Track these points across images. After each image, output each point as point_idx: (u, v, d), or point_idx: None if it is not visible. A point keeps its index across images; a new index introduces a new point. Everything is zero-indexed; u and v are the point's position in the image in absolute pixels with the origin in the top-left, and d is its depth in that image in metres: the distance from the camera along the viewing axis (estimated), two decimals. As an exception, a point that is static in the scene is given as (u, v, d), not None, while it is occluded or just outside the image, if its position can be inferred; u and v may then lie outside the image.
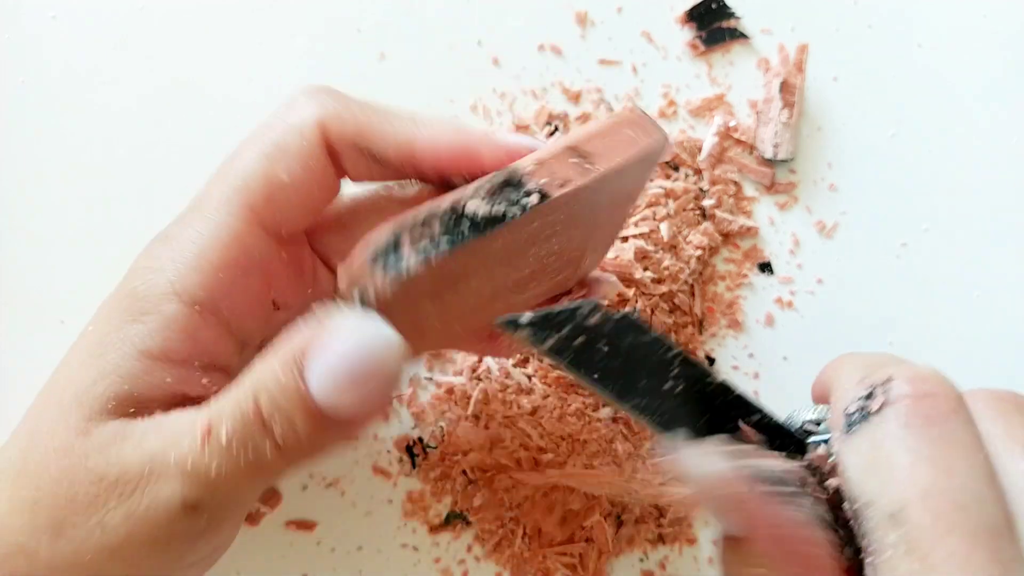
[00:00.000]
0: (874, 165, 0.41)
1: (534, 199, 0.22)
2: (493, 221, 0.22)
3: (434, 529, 0.38)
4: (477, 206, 0.22)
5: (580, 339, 0.22)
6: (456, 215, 0.22)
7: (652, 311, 0.38)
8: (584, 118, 0.40)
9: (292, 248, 0.28)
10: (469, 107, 0.40)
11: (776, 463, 0.21)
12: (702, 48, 0.41)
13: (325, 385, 0.21)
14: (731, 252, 0.40)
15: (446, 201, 0.22)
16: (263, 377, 0.22)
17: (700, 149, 0.40)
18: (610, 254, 0.38)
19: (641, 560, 0.39)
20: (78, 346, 0.25)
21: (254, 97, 0.40)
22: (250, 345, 0.28)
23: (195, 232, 0.25)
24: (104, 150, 0.39)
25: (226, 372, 0.26)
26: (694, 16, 0.41)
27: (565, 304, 0.22)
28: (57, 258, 0.39)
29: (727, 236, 0.40)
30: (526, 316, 0.22)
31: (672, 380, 0.23)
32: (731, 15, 0.41)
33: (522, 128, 0.40)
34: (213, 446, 0.22)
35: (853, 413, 0.20)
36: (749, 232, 0.40)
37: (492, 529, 0.38)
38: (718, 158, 0.40)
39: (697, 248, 0.39)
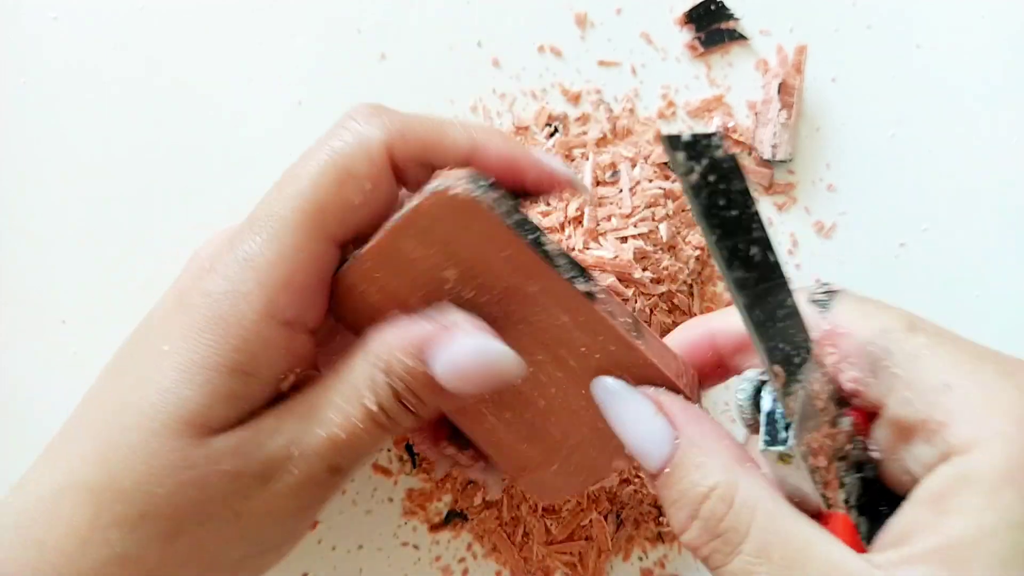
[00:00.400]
0: (873, 166, 0.41)
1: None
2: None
3: (434, 528, 0.38)
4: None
5: (713, 176, 0.23)
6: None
7: (651, 311, 0.38)
8: (584, 119, 0.40)
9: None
10: (469, 108, 0.40)
11: None
12: (701, 49, 0.41)
13: (448, 373, 0.26)
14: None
15: None
16: (391, 362, 0.26)
17: (699, 150, 0.40)
18: (609, 254, 0.38)
19: (640, 559, 0.39)
20: (153, 366, 0.26)
21: (254, 97, 0.40)
22: (322, 344, 0.30)
23: (275, 256, 0.26)
24: (105, 150, 0.39)
25: (311, 367, 0.29)
26: (693, 17, 0.41)
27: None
28: (58, 258, 0.39)
29: (726, 236, 0.40)
30: (687, 134, 0.23)
31: (753, 244, 0.24)
32: (730, 16, 0.41)
33: (522, 130, 0.40)
34: (358, 416, 0.26)
35: (817, 295, 0.26)
36: (748, 232, 0.40)
37: (492, 528, 0.38)
38: (717, 159, 0.40)
39: (696, 248, 0.39)
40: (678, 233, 0.39)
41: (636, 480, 0.38)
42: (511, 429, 0.29)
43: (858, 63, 0.41)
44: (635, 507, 0.38)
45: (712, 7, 0.41)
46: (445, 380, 0.26)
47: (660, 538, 0.39)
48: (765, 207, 0.41)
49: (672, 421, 0.25)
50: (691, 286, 0.40)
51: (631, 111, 0.41)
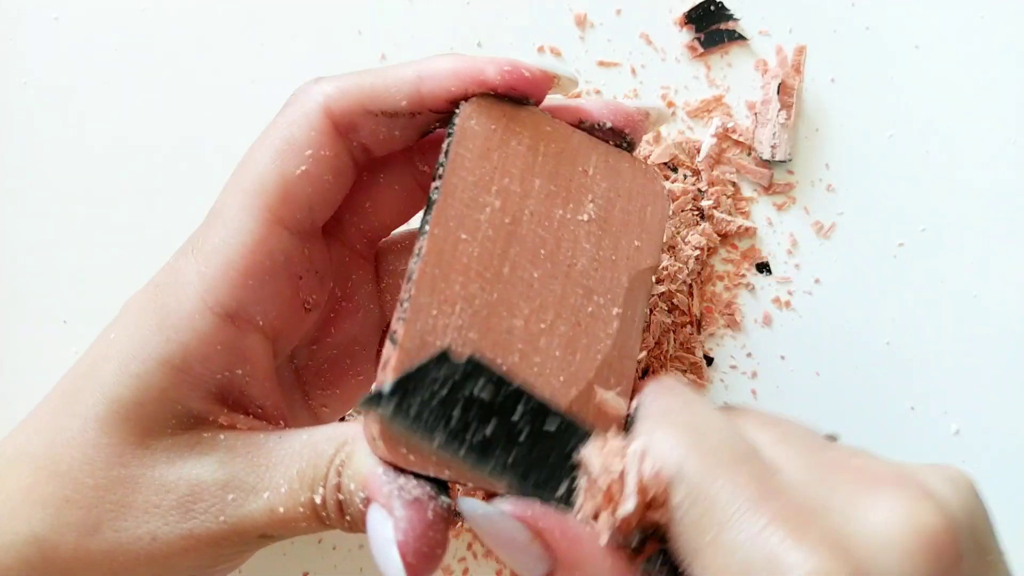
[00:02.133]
0: (872, 166, 0.41)
1: None
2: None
3: (434, 528, 0.38)
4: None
5: (438, 397, 0.23)
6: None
7: (651, 311, 0.38)
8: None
9: (313, 243, 0.28)
10: (469, 108, 0.40)
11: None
12: (700, 50, 0.41)
13: (371, 536, 0.23)
14: (729, 252, 0.41)
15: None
16: (344, 484, 0.24)
17: (698, 150, 0.40)
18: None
19: (640, 558, 0.39)
20: (103, 354, 0.25)
21: (256, 98, 0.40)
22: (284, 348, 0.28)
23: (218, 241, 0.25)
24: (105, 150, 0.39)
25: (263, 375, 0.26)
26: (693, 18, 0.41)
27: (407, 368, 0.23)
28: (59, 258, 0.39)
29: (725, 236, 0.40)
30: (387, 384, 0.22)
31: (518, 424, 0.24)
32: (729, 17, 0.41)
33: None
34: (304, 501, 0.24)
35: (625, 422, 0.25)
36: (747, 232, 0.40)
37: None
38: (716, 159, 0.41)
39: (695, 248, 0.39)
40: (677, 233, 0.39)
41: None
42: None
43: (857, 63, 0.42)
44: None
45: (712, 7, 0.41)
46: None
47: (660, 537, 0.39)
48: (765, 207, 0.41)
49: (548, 545, 0.23)
50: (691, 286, 0.40)
51: (631, 111, 0.41)
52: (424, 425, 0.23)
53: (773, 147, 0.40)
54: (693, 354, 0.40)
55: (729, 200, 0.40)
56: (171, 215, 0.39)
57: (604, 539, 0.23)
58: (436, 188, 0.24)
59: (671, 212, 0.39)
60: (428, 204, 0.24)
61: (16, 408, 0.39)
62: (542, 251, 0.26)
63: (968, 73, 0.42)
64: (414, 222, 0.31)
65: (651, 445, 0.23)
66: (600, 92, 0.41)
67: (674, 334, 0.39)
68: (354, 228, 0.30)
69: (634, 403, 0.25)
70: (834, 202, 0.41)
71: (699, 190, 0.40)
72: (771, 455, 0.23)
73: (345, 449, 0.24)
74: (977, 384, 0.41)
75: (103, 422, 0.24)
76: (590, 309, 0.26)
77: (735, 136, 0.41)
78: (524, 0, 0.41)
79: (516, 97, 0.26)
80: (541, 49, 0.41)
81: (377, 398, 0.22)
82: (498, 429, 0.24)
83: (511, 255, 0.25)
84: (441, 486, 0.23)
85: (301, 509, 0.24)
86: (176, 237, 0.39)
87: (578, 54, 0.41)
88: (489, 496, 0.24)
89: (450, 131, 0.25)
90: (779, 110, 0.40)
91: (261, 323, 0.26)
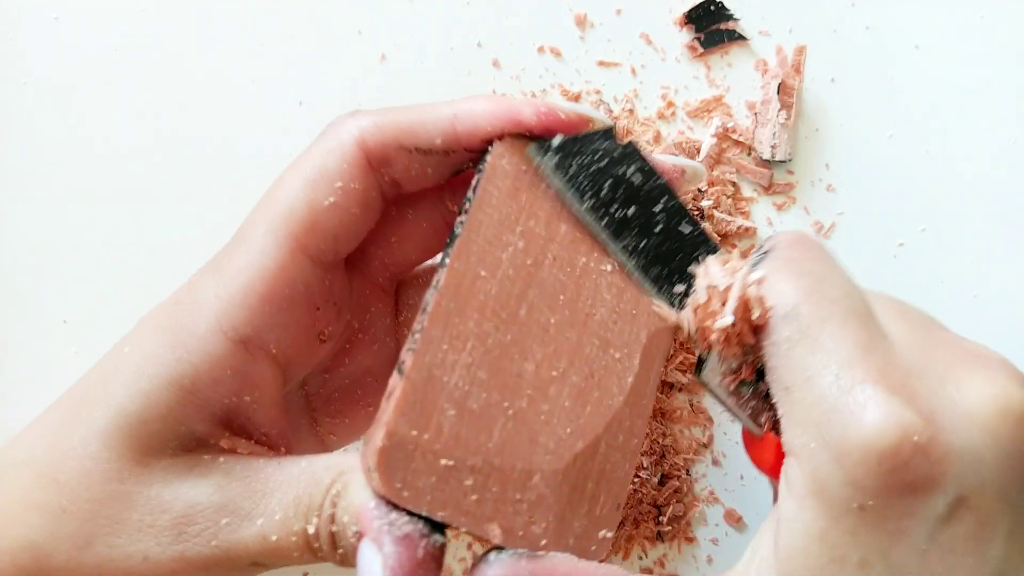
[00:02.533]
0: (872, 166, 0.41)
1: None
2: None
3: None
4: None
5: (596, 166, 0.25)
6: None
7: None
8: (629, 138, 0.41)
9: (334, 275, 0.28)
10: (469, 108, 0.40)
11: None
12: (700, 50, 0.41)
13: (361, 570, 0.23)
14: (729, 252, 0.41)
15: None
16: (339, 516, 0.23)
17: (698, 150, 0.40)
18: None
19: (640, 558, 0.39)
20: (115, 366, 0.25)
21: (256, 98, 0.40)
22: (295, 376, 0.28)
23: (240, 264, 0.25)
24: (105, 150, 0.39)
25: (270, 403, 0.26)
26: (693, 18, 0.41)
27: (583, 133, 0.26)
28: (59, 259, 0.39)
29: (725, 236, 0.40)
30: (557, 139, 0.25)
31: (656, 216, 0.26)
32: (729, 17, 0.41)
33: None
34: (296, 531, 0.23)
35: (754, 255, 0.26)
36: (747, 232, 0.40)
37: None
38: (716, 159, 0.41)
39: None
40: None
41: (635, 480, 0.38)
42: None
43: (857, 63, 0.42)
44: (635, 507, 0.38)
45: (712, 7, 0.41)
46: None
47: (660, 537, 0.39)
48: (764, 207, 0.41)
49: None
50: (691, 286, 0.40)
51: (631, 111, 0.41)
52: (577, 187, 0.25)
53: (773, 147, 0.40)
54: (693, 354, 0.40)
55: (729, 200, 0.40)
56: (171, 215, 0.39)
57: (719, 329, 0.24)
58: (460, 223, 0.24)
59: None
60: (451, 237, 0.24)
61: (16, 408, 0.39)
62: (561, 297, 0.25)
63: (968, 73, 0.42)
64: (438, 259, 0.31)
65: (771, 280, 0.24)
66: (600, 92, 0.41)
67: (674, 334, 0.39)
68: (377, 261, 0.30)
69: (767, 244, 0.26)
70: (834, 202, 0.41)
71: (699, 190, 0.40)
72: (887, 322, 0.24)
73: (342, 479, 0.24)
74: (977, 384, 0.41)
75: (105, 436, 0.24)
76: (605, 362, 0.26)
77: (735, 136, 0.41)
78: (524, 0, 0.41)
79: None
80: (541, 49, 0.41)
81: (544, 147, 0.24)
82: (638, 214, 0.26)
83: (529, 297, 0.25)
84: (434, 526, 0.23)
85: (294, 539, 0.24)
86: (176, 236, 0.39)
87: (578, 54, 0.41)
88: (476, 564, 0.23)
89: (480, 167, 0.25)
90: (779, 110, 0.40)
91: (274, 351, 0.26)
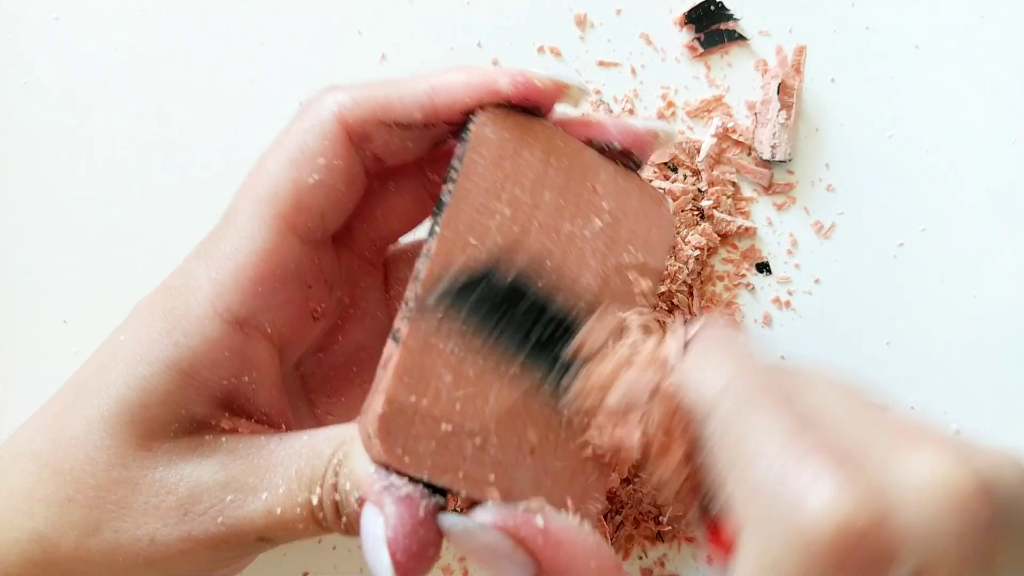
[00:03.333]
0: (871, 166, 0.41)
1: None
2: None
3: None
4: None
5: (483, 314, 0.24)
6: None
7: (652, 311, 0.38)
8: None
9: (323, 252, 0.28)
10: (469, 108, 0.40)
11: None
12: (700, 50, 0.41)
13: (363, 534, 0.23)
14: (729, 252, 0.41)
15: None
16: (341, 485, 0.23)
17: (698, 150, 0.40)
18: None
19: (640, 558, 0.39)
20: (112, 354, 0.26)
21: (256, 98, 0.40)
22: (291, 355, 0.28)
23: (230, 248, 0.25)
24: (106, 151, 0.39)
25: (269, 382, 0.26)
26: (692, 18, 0.41)
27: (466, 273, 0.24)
28: (60, 259, 0.39)
29: (725, 236, 0.40)
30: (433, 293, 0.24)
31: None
32: (729, 17, 0.41)
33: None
34: (300, 502, 0.24)
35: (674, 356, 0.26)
36: (747, 232, 0.40)
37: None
38: (716, 159, 0.41)
39: (695, 248, 0.39)
40: (678, 232, 0.39)
41: (636, 480, 0.38)
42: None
43: (857, 64, 0.42)
44: (635, 506, 0.38)
45: (712, 7, 0.41)
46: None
47: (660, 537, 0.39)
48: (764, 207, 0.41)
49: (531, 551, 0.22)
50: (691, 286, 0.40)
51: (631, 111, 0.41)
52: (471, 332, 0.24)
53: (773, 147, 0.40)
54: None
55: (729, 200, 0.40)
56: (171, 214, 0.39)
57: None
58: (448, 191, 0.24)
59: (671, 212, 0.39)
60: (438, 206, 0.24)
61: (16, 408, 0.39)
62: (548, 263, 0.26)
63: (968, 73, 0.42)
64: (423, 231, 0.31)
65: (693, 368, 0.23)
66: (600, 92, 0.41)
67: (674, 334, 0.39)
68: (363, 236, 0.30)
69: (690, 330, 0.26)
70: (834, 202, 0.41)
71: (699, 190, 0.40)
72: (815, 401, 0.23)
73: (343, 449, 0.24)
74: (977, 384, 0.41)
75: (107, 423, 0.24)
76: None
77: (735, 136, 0.41)
78: (524, 0, 0.41)
79: (528, 108, 0.26)
80: (541, 49, 0.41)
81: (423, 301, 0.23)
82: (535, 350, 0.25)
83: (518, 263, 0.25)
84: (434, 490, 0.23)
85: (298, 510, 0.24)
86: (176, 236, 0.39)
87: (578, 54, 0.41)
88: (470, 508, 0.23)
89: (464, 137, 0.25)
90: (779, 110, 0.40)
91: (270, 331, 0.26)
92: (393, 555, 0.21)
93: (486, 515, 0.22)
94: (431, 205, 0.30)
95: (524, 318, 0.25)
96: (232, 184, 0.39)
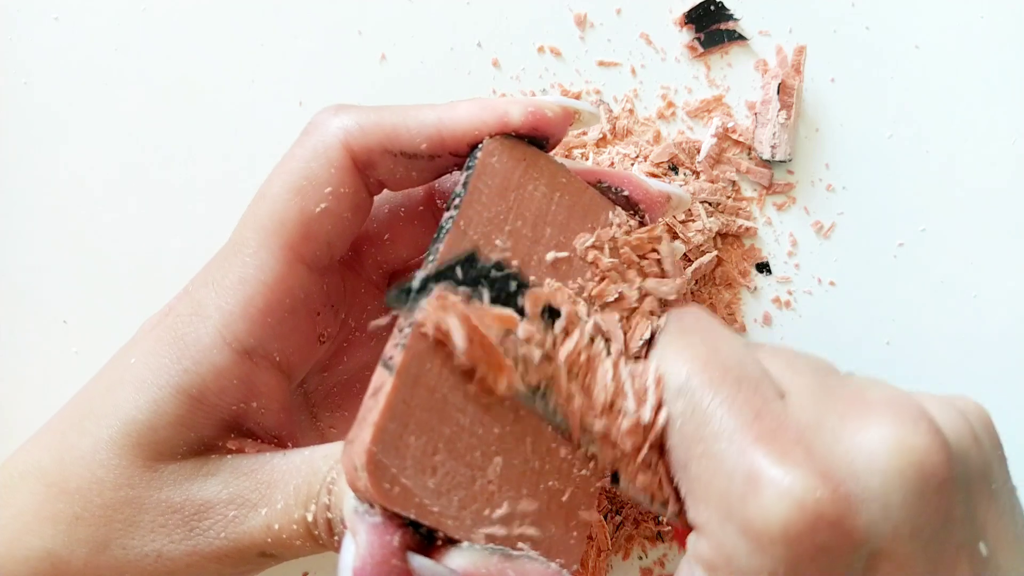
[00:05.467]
0: (872, 166, 0.41)
1: None
2: None
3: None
4: None
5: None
6: None
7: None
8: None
9: (330, 277, 0.28)
10: (469, 108, 0.40)
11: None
12: (700, 50, 0.41)
13: (340, 559, 0.22)
14: (729, 252, 0.41)
15: None
16: (334, 504, 0.23)
17: (698, 150, 0.40)
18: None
19: (640, 558, 0.39)
20: (120, 378, 0.26)
21: (256, 98, 0.40)
22: (297, 377, 0.28)
23: (238, 277, 0.25)
24: (106, 151, 0.39)
25: (278, 407, 0.27)
26: (692, 18, 0.41)
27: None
28: (59, 259, 0.39)
29: (726, 236, 0.40)
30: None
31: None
32: (729, 17, 0.41)
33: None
34: (297, 519, 0.24)
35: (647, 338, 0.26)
36: (747, 232, 0.40)
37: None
38: (716, 159, 0.41)
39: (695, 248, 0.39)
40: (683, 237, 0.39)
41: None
42: None
43: (857, 63, 0.42)
44: (635, 506, 0.38)
45: (712, 7, 0.41)
46: None
47: (660, 537, 0.39)
48: (765, 207, 0.41)
49: None
50: (692, 291, 0.40)
51: (631, 112, 0.41)
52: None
53: (773, 147, 0.40)
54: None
55: (729, 200, 0.40)
56: (171, 215, 0.39)
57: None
58: (450, 218, 0.24)
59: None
60: (439, 232, 0.24)
61: (16, 408, 0.39)
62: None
63: (968, 73, 0.42)
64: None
65: (661, 358, 0.23)
66: (600, 92, 0.41)
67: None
68: (371, 260, 0.30)
69: (660, 320, 0.26)
70: (834, 202, 0.41)
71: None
72: (780, 379, 0.23)
73: (337, 467, 0.24)
74: (977, 384, 0.41)
75: (114, 444, 0.25)
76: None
77: (735, 136, 0.41)
78: (524, 0, 0.41)
79: (537, 139, 0.26)
80: (541, 49, 0.41)
81: (406, 294, 0.22)
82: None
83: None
84: (419, 525, 0.22)
85: (295, 527, 0.24)
86: (176, 236, 0.39)
87: (578, 54, 0.41)
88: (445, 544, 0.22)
89: (470, 164, 0.25)
90: (779, 110, 0.40)
91: (278, 359, 0.26)
92: None
93: (458, 560, 0.22)
94: (435, 226, 0.30)
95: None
96: (232, 185, 0.39)
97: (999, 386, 0.41)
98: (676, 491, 0.23)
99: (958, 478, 0.20)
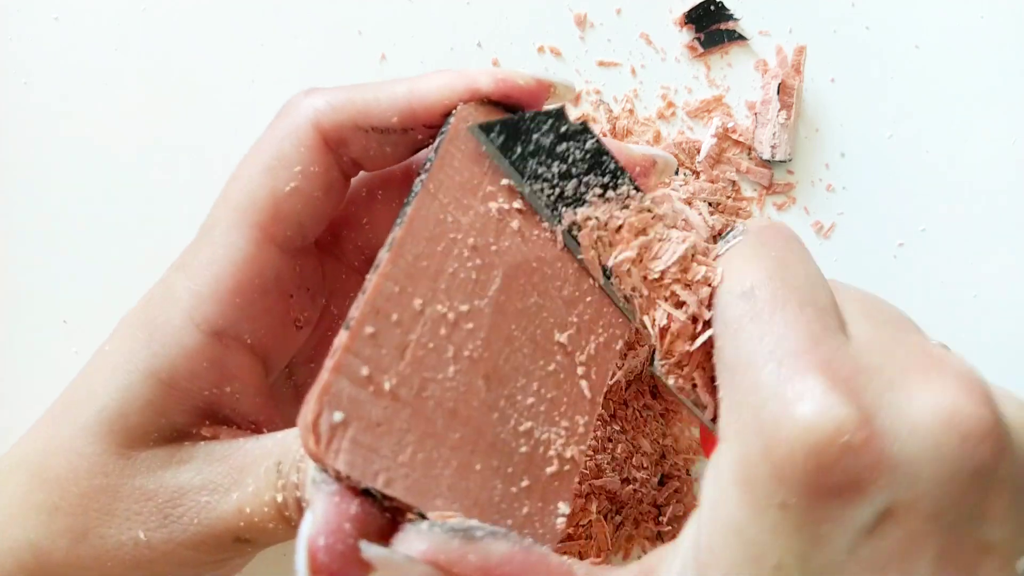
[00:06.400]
0: (871, 166, 0.41)
1: None
2: None
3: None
4: None
5: (540, 148, 0.25)
6: None
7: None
8: (583, 120, 0.41)
9: (305, 260, 0.27)
10: (469, 108, 0.40)
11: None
12: (700, 50, 0.41)
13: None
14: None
15: None
16: (303, 482, 0.22)
17: (698, 150, 0.40)
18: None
19: (640, 558, 0.39)
20: (97, 366, 0.26)
21: (256, 98, 0.40)
22: (276, 363, 0.28)
23: (207, 258, 0.25)
24: (106, 151, 0.39)
25: (254, 391, 0.26)
26: (693, 18, 0.41)
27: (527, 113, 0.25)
28: (59, 258, 0.39)
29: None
30: (500, 121, 0.24)
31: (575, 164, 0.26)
32: (729, 17, 0.41)
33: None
34: (267, 501, 0.23)
35: (727, 237, 0.25)
36: (747, 232, 0.40)
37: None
38: (716, 159, 0.41)
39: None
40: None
41: (636, 480, 0.38)
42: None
43: (857, 64, 0.42)
44: (635, 506, 0.38)
45: (712, 8, 0.41)
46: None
47: (660, 537, 0.39)
48: (765, 207, 0.41)
49: None
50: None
51: (631, 112, 0.41)
52: (521, 169, 0.24)
53: (773, 147, 0.40)
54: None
55: (729, 200, 0.40)
56: (171, 215, 0.39)
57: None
58: (420, 181, 0.23)
59: None
60: (410, 195, 0.23)
61: (16, 408, 0.39)
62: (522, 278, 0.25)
63: (968, 73, 0.42)
64: None
65: (732, 258, 0.23)
66: (600, 92, 0.41)
67: (674, 334, 0.39)
68: (351, 244, 0.30)
69: (741, 225, 0.26)
70: (834, 202, 0.41)
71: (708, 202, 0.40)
72: (851, 318, 0.22)
73: None
74: (977, 384, 0.41)
75: (89, 431, 0.24)
76: (573, 319, 0.26)
77: (735, 136, 0.41)
78: (524, 0, 0.41)
79: (510, 107, 0.26)
80: (541, 49, 0.41)
81: (487, 128, 0.24)
82: (577, 186, 0.25)
83: (495, 267, 0.24)
84: (373, 494, 0.21)
85: (266, 508, 0.23)
86: (176, 237, 0.39)
87: (578, 54, 0.41)
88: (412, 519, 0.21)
89: (444, 129, 0.24)
90: (779, 110, 0.40)
91: (250, 341, 0.26)
92: (313, 554, 0.20)
93: (415, 543, 0.20)
94: None
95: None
96: (232, 184, 0.39)
97: (999, 386, 0.41)
98: (713, 393, 0.23)
99: (1005, 476, 0.19)
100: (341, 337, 0.21)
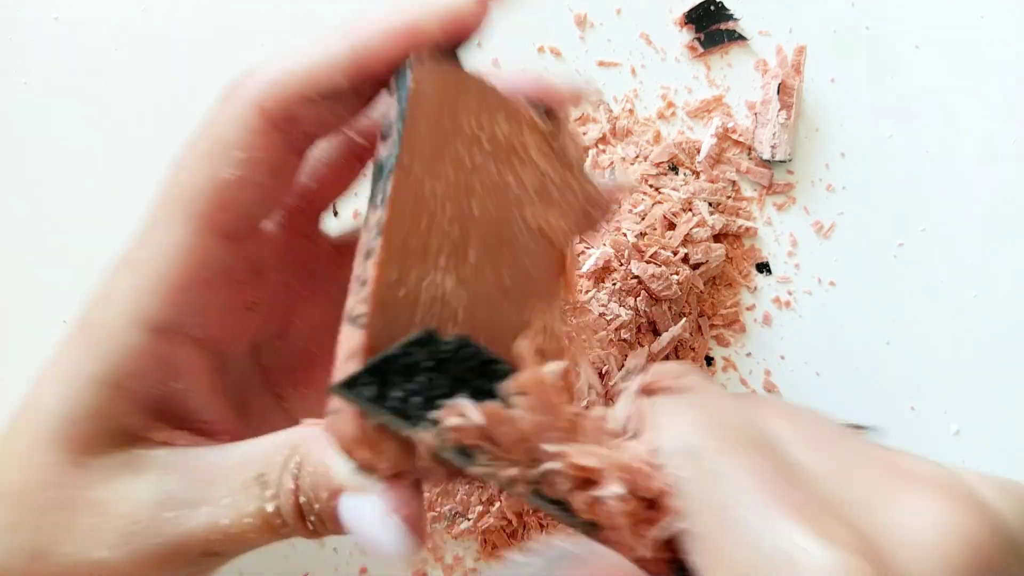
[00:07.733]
0: (871, 166, 0.41)
1: None
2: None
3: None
4: None
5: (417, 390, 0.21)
6: None
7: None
8: (583, 120, 0.41)
9: (254, 243, 0.26)
10: (469, 108, 0.40)
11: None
12: (700, 50, 0.41)
13: (354, 524, 0.22)
14: (730, 252, 0.41)
15: None
16: (304, 486, 0.22)
17: (698, 150, 0.40)
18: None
19: (640, 558, 0.39)
20: (44, 374, 0.24)
21: (255, 98, 0.40)
22: (232, 352, 0.27)
23: (148, 253, 0.24)
24: (106, 151, 0.39)
25: (206, 388, 0.25)
26: (693, 18, 0.41)
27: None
28: (59, 258, 0.39)
29: (726, 236, 0.40)
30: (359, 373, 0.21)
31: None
32: (729, 17, 0.41)
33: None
34: (251, 512, 0.23)
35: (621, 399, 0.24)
36: (747, 232, 0.40)
37: (493, 528, 0.38)
38: (716, 159, 0.41)
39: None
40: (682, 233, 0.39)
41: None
42: None
43: (857, 64, 0.42)
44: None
45: (712, 8, 0.41)
46: (350, 525, 0.22)
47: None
48: (765, 207, 0.41)
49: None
50: (700, 292, 0.40)
51: (631, 112, 0.41)
52: (404, 414, 0.21)
53: (773, 147, 0.40)
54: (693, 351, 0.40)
55: (729, 200, 0.40)
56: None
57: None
58: (391, 156, 0.22)
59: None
60: (381, 170, 0.22)
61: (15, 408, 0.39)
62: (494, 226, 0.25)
63: (968, 73, 0.42)
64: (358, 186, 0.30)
65: (660, 420, 0.22)
66: (600, 92, 0.41)
67: (674, 334, 0.39)
68: (298, 213, 0.28)
69: (648, 377, 0.24)
70: (834, 202, 0.41)
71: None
72: (791, 446, 0.21)
73: (299, 452, 0.23)
74: (977, 384, 0.41)
75: (40, 441, 0.23)
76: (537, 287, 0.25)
77: (735, 136, 0.41)
78: (524, 0, 0.41)
79: (454, 47, 0.24)
80: (541, 49, 0.41)
81: (351, 383, 0.21)
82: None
83: (472, 234, 0.24)
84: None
85: (249, 520, 0.23)
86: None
87: (578, 54, 0.41)
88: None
89: (400, 91, 0.23)
90: (779, 110, 0.40)
91: (199, 335, 0.24)
92: (406, 524, 0.21)
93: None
94: (357, 161, 0.28)
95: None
96: (232, 184, 0.39)
97: (999, 386, 0.41)
98: (675, 561, 0.21)
99: (1011, 564, 0.19)
100: (354, 337, 0.21)
